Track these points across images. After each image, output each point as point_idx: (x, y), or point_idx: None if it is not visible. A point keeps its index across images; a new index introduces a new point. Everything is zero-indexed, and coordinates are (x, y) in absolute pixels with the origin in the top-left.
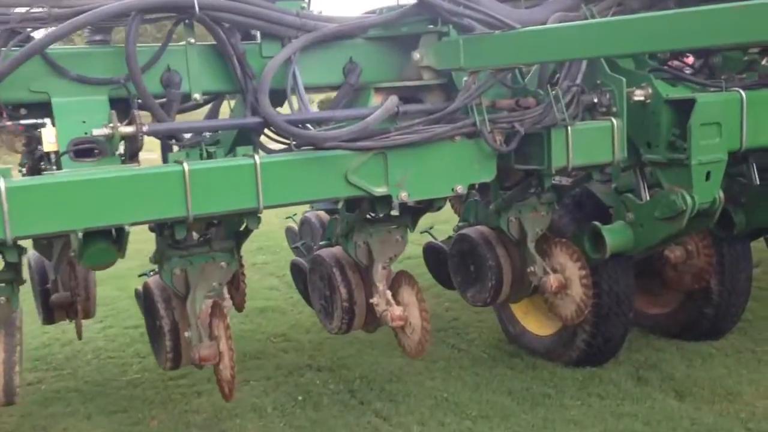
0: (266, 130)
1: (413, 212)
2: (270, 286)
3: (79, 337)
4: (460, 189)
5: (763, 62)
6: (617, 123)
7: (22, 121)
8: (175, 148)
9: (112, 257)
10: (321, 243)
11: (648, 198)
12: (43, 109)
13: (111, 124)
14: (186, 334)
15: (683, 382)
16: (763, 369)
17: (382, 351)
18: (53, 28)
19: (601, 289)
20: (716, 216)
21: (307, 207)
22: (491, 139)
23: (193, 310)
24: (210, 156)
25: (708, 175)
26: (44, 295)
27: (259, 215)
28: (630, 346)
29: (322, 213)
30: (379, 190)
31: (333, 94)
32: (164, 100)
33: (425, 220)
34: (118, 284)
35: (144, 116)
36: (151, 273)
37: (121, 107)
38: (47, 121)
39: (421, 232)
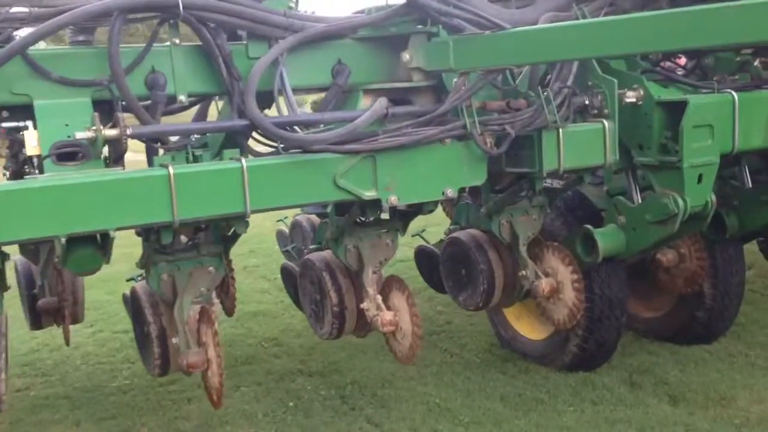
0: (254, 133)
1: (403, 216)
2: (262, 290)
3: (67, 343)
4: (451, 192)
5: (756, 63)
6: (609, 125)
7: (4, 124)
8: (161, 152)
9: (97, 263)
10: (311, 247)
11: (640, 201)
12: (26, 111)
13: (94, 127)
14: (174, 340)
15: (677, 387)
16: (756, 373)
17: (373, 355)
18: (34, 27)
19: (594, 293)
20: (709, 219)
21: (298, 210)
22: (482, 142)
23: (180, 316)
24: (196, 159)
25: (700, 178)
26: (31, 300)
27: (247, 219)
28: (623, 351)
29: (313, 216)
30: (369, 194)
31: None
32: (149, 102)
33: (418, 222)
34: (108, 288)
35: (129, 118)
36: (139, 278)
37: (105, 109)
38: (29, 123)
39: (413, 236)
